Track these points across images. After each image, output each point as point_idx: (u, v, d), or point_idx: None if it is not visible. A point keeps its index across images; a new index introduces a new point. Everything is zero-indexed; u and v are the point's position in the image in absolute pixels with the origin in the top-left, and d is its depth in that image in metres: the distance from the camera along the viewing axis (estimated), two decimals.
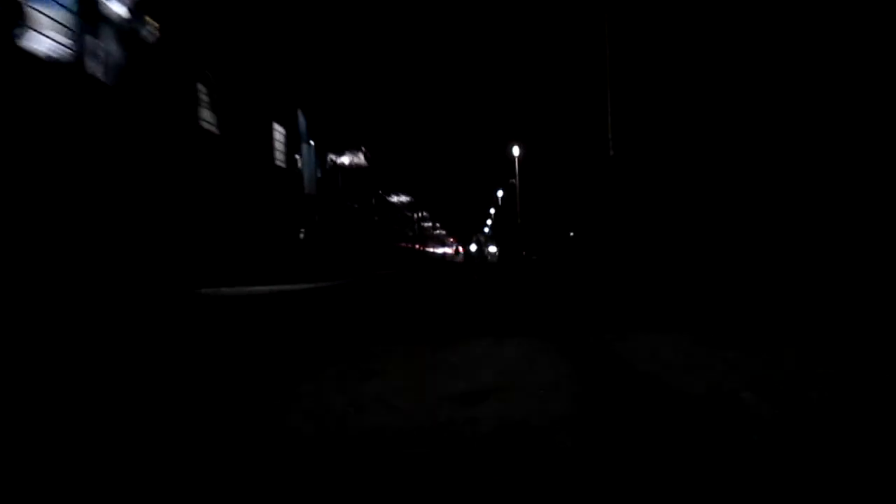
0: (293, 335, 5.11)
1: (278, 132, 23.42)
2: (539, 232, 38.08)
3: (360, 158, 36.96)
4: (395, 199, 50.59)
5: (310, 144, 28.01)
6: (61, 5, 10.20)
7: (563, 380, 2.90)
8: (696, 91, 14.36)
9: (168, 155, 13.78)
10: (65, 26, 10.24)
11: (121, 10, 12.15)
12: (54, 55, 9.94)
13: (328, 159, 30.95)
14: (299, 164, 26.17)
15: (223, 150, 17.34)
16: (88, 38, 10.98)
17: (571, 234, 30.32)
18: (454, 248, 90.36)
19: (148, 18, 13.19)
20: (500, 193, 61.79)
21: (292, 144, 25.02)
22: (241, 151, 18.88)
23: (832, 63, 9.89)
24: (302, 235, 25.89)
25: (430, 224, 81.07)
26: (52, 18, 9.88)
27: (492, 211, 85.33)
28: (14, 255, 8.71)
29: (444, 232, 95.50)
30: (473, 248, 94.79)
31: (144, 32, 13.18)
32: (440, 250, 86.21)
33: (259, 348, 4.36)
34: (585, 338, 4.24)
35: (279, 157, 23.49)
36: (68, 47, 10.34)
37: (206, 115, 16.56)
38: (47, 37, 9.73)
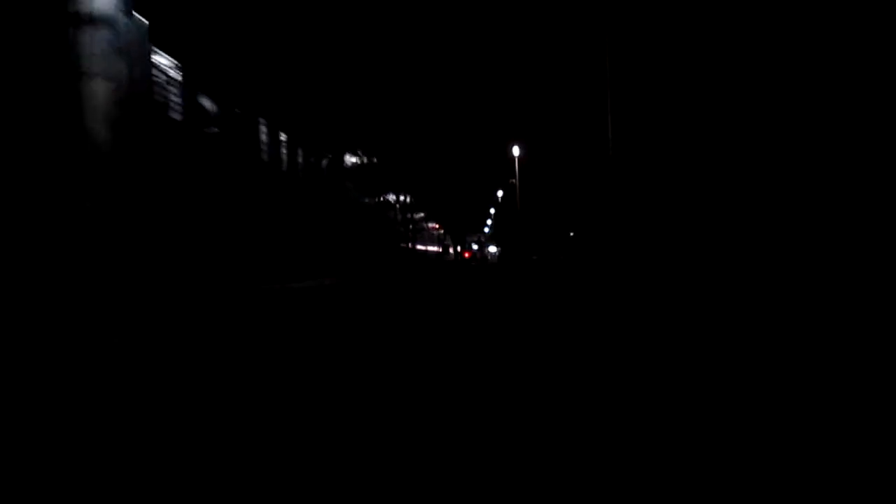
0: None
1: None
2: (539, 232, 38.11)
3: (362, 159, 36.92)
4: (394, 198, 50.53)
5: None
6: None
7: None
8: (696, 93, 14.39)
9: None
10: None
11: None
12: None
13: (330, 159, 30.88)
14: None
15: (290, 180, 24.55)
16: None
17: (571, 234, 30.35)
18: (450, 247, 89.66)
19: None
20: (500, 193, 61.77)
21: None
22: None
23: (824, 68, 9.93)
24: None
25: (428, 224, 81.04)
26: None
27: (492, 211, 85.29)
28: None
29: (442, 231, 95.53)
30: (475, 247, 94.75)
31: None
32: (438, 249, 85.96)
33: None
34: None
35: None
36: None
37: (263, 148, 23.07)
38: None
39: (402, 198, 50.12)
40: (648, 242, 17.42)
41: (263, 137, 22.28)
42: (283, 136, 23.59)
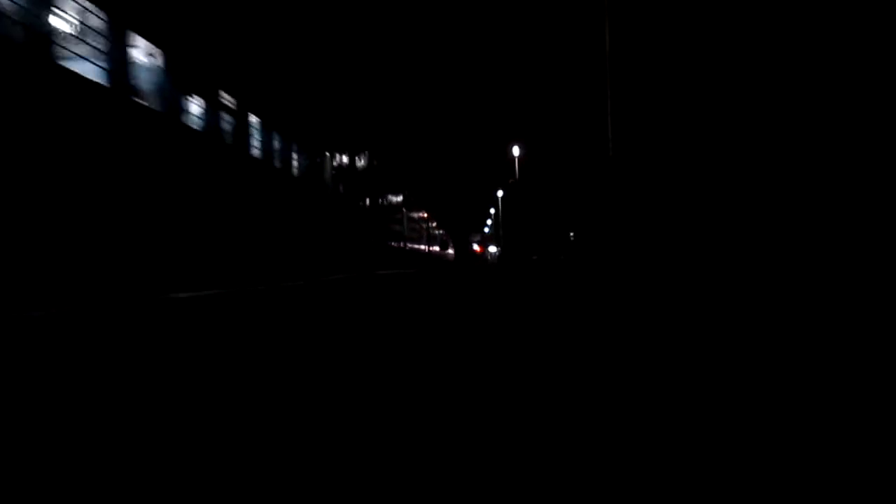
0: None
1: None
2: (539, 232, 38.13)
3: (362, 159, 36.93)
4: (394, 198, 50.59)
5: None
6: None
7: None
8: (696, 93, 14.38)
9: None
10: None
11: None
12: None
13: (331, 160, 30.82)
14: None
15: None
16: None
17: (571, 234, 30.36)
18: (449, 246, 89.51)
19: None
20: (500, 193, 61.83)
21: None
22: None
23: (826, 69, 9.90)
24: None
25: (428, 224, 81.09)
26: None
27: (492, 211, 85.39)
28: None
29: (442, 232, 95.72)
30: (475, 247, 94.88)
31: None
32: (438, 249, 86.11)
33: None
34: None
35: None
36: None
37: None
38: None
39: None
40: (648, 243, 17.40)
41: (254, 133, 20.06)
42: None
